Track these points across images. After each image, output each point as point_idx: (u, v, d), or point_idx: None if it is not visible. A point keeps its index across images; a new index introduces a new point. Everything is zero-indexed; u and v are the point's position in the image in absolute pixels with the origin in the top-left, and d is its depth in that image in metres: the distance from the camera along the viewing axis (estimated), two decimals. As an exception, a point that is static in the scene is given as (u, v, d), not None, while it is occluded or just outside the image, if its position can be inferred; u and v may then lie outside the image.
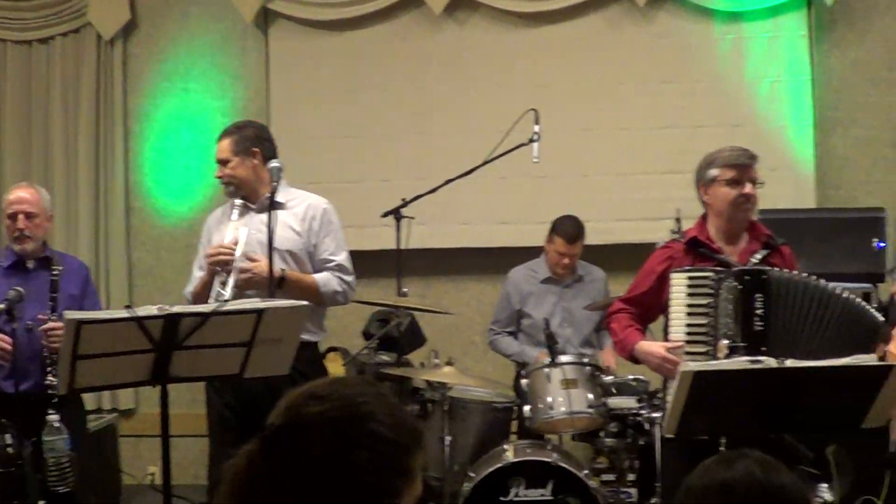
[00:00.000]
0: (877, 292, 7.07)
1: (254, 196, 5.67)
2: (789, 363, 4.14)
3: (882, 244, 7.16)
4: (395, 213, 6.61)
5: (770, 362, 4.15)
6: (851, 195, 8.38)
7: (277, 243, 5.35)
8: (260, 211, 5.61)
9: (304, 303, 4.89)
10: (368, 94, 8.44)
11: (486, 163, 6.72)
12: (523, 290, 7.30)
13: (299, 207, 5.62)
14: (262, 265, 5.38)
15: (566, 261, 7.19)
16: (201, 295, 5.50)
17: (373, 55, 8.46)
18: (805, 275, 4.83)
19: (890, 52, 8.40)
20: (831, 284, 4.77)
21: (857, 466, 6.52)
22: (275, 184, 5.34)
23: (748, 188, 4.94)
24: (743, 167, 4.96)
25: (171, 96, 8.75)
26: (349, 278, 5.68)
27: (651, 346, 4.91)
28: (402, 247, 6.60)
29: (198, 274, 5.70)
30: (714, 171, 4.99)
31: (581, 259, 7.32)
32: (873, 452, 5.76)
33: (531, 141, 6.57)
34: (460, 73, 8.39)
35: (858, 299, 4.79)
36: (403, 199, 6.67)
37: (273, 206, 5.39)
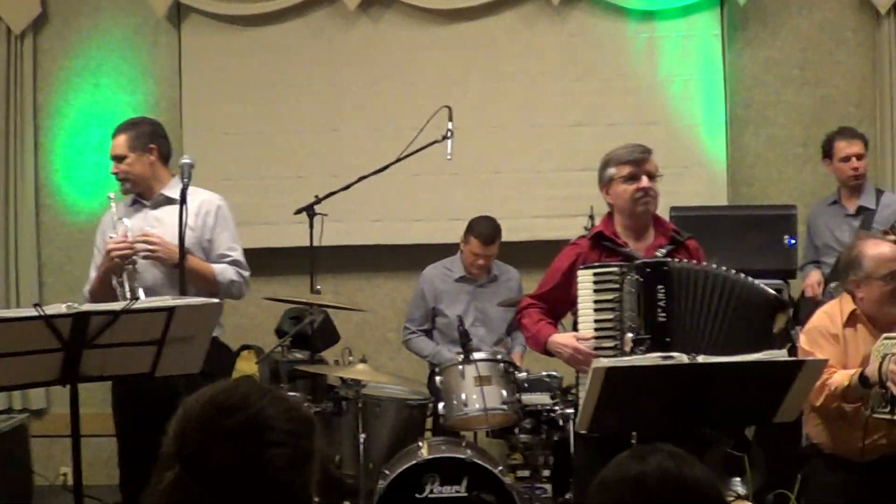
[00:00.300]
0: (788, 288, 7.16)
1: (148, 193, 5.65)
2: (701, 359, 4.17)
3: (793, 241, 7.26)
4: (309, 210, 6.57)
5: (682, 358, 4.17)
6: (763, 192, 8.48)
7: (169, 238, 5.35)
8: (154, 207, 5.62)
9: (216, 301, 4.87)
10: (282, 91, 8.39)
11: (399, 160, 6.70)
12: (437, 289, 7.30)
13: (192, 203, 5.59)
14: (162, 239, 5.39)
15: (481, 262, 7.20)
16: (99, 293, 5.47)
17: (286, 51, 8.40)
18: (705, 264, 4.88)
19: (801, 51, 8.51)
20: (731, 271, 4.81)
21: (770, 461, 6.62)
22: (186, 180, 5.28)
23: (645, 182, 4.96)
24: (637, 162, 4.99)
25: (82, 92, 8.63)
26: (245, 273, 5.67)
27: (563, 338, 4.92)
28: (316, 244, 6.56)
29: (94, 274, 5.66)
30: (611, 171, 5.02)
31: (496, 257, 7.33)
32: (786, 447, 5.83)
33: (445, 138, 6.55)
34: (374, 70, 8.36)
35: (752, 279, 4.84)
36: (317, 196, 6.62)
37: (166, 201, 5.49)
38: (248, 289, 5.75)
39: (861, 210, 7.04)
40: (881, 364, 4.73)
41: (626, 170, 4.98)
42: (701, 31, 8.36)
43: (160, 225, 5.51)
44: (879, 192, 7.18)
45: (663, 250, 4.98)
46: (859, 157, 7.02)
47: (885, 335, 4.91)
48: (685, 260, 4.91)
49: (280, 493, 2.12)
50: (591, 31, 8.36)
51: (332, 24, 8.40)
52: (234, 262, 5.63)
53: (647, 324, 4.70)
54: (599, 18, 8.36)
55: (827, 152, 7.18)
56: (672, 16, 8.35)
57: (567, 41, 8.35)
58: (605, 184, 5.06)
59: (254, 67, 8.42)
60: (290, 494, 2.14)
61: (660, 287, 4.71)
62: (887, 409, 4.79)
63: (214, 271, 5.54)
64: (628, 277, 4.73)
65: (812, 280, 7.02)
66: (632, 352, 4.61)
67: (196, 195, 5.61)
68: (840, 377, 4.91)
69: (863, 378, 4.81)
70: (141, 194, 5.65)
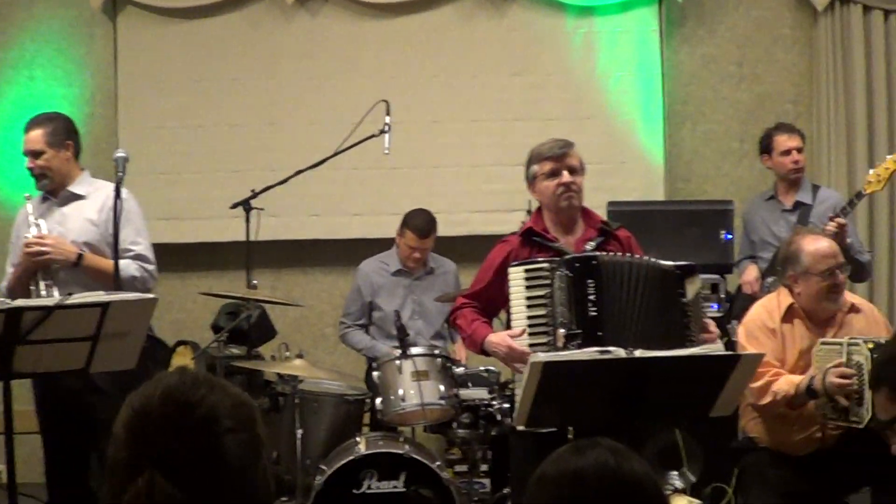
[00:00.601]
0: (725, 283, 7.19)
1: (59, 189, 5.62)
2: (638, 353, 4.18)
3: (729, 236, 7.30)
4: (245, 205, 6.54)
5: (619, 352, 4.18)
6: (700, 188, 8.54)
7: (75, 235, 5.38)
8: (61, 204, 5.62)
9: (151, 296, 4.84)
10: (218, 84, 8.33)
11: (336, 154, 6.68)
12: (374, 283, 7.28)
13: (98, 198, 5.53)
14: (55, 241, 5.38)
15: (417, 255, 7.18)
16: (16, 289, 5.46)
17: (223, 44, 8.34)
18: (632, 256, 4.89)
19: (738, 47, 8.57)
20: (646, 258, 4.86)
21: (706, 454, 6.66)
22: (120, 174, 5.24)
23: (566, 177, 4.97)
24: (557, 157, 5.00)
25: (15, 84, 8.51)
26: (150, 267, 5.61)
27: (498, 337, 4.91)
28: (252, 238, 6.53)
29: (10, 270, 5.64)
30: (535, 168, 5.04)
31: (433, 251, 7.33)
32: (723, 441, 5.87)
33: (382, 132, 6.54)
34: (312, 64, 8.33)
35: (652, 259, 4.87)
36: (253, 191, 6.59)
37: (73, 197, 5.52)
38: (154, 282, 5.70)
39: (798, 205, 7.04)
40: (823, 377, 4.78)
41: (547, 166, 4.99)
42: (639, 27, 8.39)
43: (65, 221, 5.49)
44: (816, 188, 7.18)
45: (593, 243, 5.00)
46: (799, 150, 7.02)
47: (821, 341, 4.96)
48: (615, 252, 4.92)
49: (242, 480, 2.12)
50: (530, 26, 8.37)
51: (270, 17, 8.34)
52: (137, 257, 5.58)
53: (579, 319, 4.69)
54: (538, 14, 8.37)
55: (765, 147, 7.16)
56: (610, 11, 8.38)
57: (505, 36, 8.36)
58: (531, 181, 5.08)
59: (190, 61, 8.35)
60: (250, 480, 2.15)
61: (589, 281, 4.70)
62: (838, 417, 4.84)
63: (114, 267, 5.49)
64: (558, 273, 4.72)
65: (750, 276, 7.04)
66: (564, 347, 4.61)
67: (102, 189, 5.57)
68: (785, 385, 4.96)
69: (810, 389, 4.86)
70: (52, 191, 5.63)
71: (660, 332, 4.69)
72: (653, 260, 4.85)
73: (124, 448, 2.09)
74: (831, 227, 6.27)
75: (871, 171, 6.57)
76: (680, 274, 4.81)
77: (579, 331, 4.65)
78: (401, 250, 7.23)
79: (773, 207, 7.15)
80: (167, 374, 2.21)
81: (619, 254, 4.92)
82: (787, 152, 7.02)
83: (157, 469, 2.05)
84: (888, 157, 6.61)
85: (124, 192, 5.48)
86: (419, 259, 7.21)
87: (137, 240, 5.60)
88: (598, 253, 4.87)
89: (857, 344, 4.73)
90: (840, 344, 4.82)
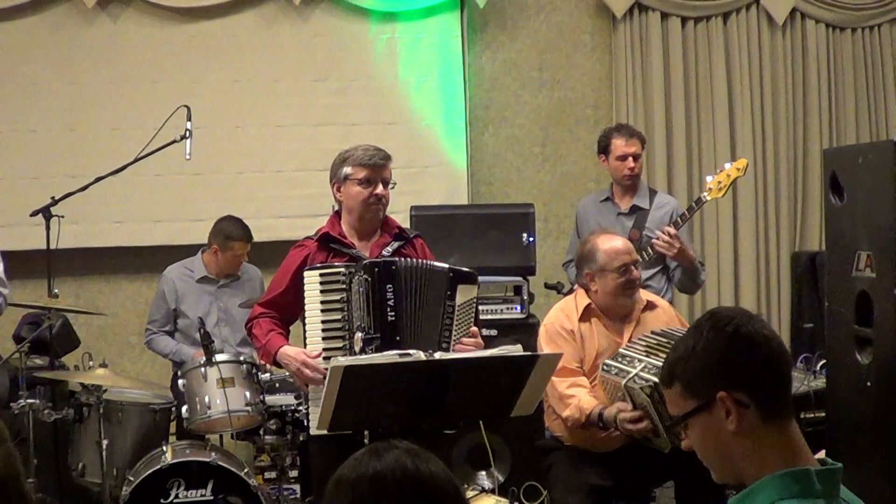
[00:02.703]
0: (528, 285, 7.28)
1: None
2: (438, 356, 4.24)
3: (531, 239, 7.36)
4: (45, 212, 6.41)
5: (419, 355, 4.24)
6: (503, 191, 8.67)
7: None
8: None
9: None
10: (16, 88, 8.10)
11: (137, 160, 6.59)
12: (179, 289, 7.19)
13: None
14: None
15: (245, 258, 7.18)
16: None
17: (21, 48, 8.12)
18: (429, 262, 4.95)
19: (539, 53, 8.73)
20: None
21: (514, 454, 6.76)
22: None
23: (380, 189, 5.01)
24: (376, 167, 5.02)
25: None
26: (4, 290, 5.54)
27: (292, 351, 4.91)
28: (53, 246, 6.40)
29: None
30: (347, 170, 5.04)
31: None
32: (532, 440, 5.95)
33: (183, 138, 6.47)
34: (113, 69, 8.18)
35: (430, 262, 4.96)
36: (53, 198, 6.47)
37: None
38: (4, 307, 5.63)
39: (634, 209, 6.93)
40: (615, 417, 4.89)
41: (362, 172, 5.00)
42: (441, 33, 8.48)
43: None
44: (653, 193, 7.09)
45: (390, 248, 5.05)
46: (636, 157, 6.86)
47: (604, 362, 5.03)
48: (411, 258, 4.98)
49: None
50: (333, 31, 8.39)
51: (70, 21, 8.16)
52: None
53: (377, 323, 4.73)
54: (341, 19, 8.39)
55: (603, 148, 6.98)
56: (413, 17, 8.45)
57: (308, 41, 8.37)
58: (339, 181, 5.08)
59: (-13, 65, 8.14)
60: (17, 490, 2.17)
61: (388, 286, 4.75)
62: (642, 441, 4.96)
63: None
64: (356, 277, 4.76)
65: None
66: (361, 351, 4.65)
67: None
68: (576, 412, 5.07)
69: (602, 420, 4.99)
70: None
71: (433, 333, 4.77)
72: (435, 263, 4.93)
73: None
74: (663, 238, 6.36)
75: (710, 178, 6.59)
76: (452, 277, 4.88)
77: (377, 335, 4.69)
78: (223, 259, 7.13)
79: (609, 210, 7.01)
80: None
81: (415, 259, 4.97)
82: (624, 157, 6.84)
83: None
84: (727, 164, 6.64)
85: None
86: (240, 264, 7.19)
87: None
88: (396, 258, 4.91)
89: (634, 388, 4.81)
90: (618, 383, 4.86)
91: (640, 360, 4.85)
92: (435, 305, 4.83)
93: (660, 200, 7.00)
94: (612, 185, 7.09)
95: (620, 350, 5.04)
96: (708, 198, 6.55)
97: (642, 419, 4.82)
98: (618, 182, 6.98)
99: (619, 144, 6.87)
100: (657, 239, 6.42)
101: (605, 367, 4.99)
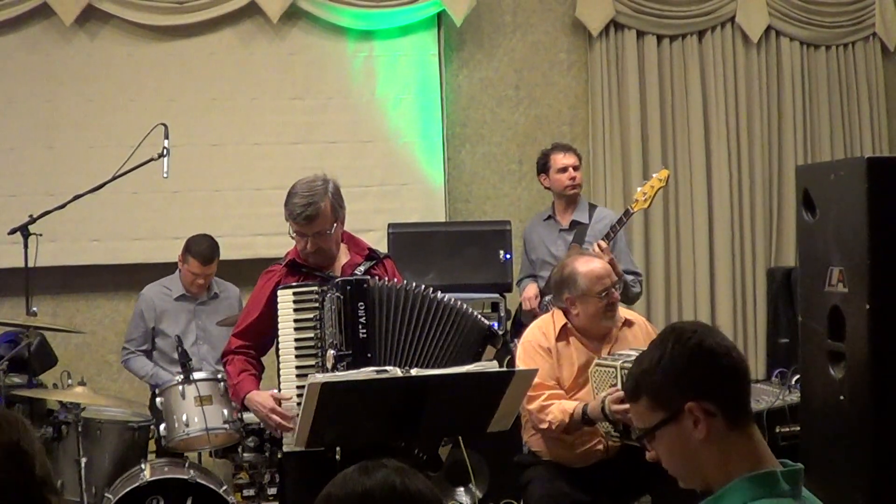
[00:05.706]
0: (505, 302, 7.32)
1: None
2: (415, 372, 4.27)
3: (508, 256, 7.40)
4: (23, 230, 6.43)
5: (396, 372, 4.27)
6: (480, 208, 8.71)
7: None
8: None
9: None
10: (-6, 106, 8.13)
11: (115, 178, 6.60)
12: (157, 308, 7.18)
13: None
14: None
15: (201, 281, 7.12)
16: None
17: (-1, 66, 8.16)
18: (404, 283, 4.94)
19: (515, 71, 8.78)
20: (437, 293, 4.92)
21: (492, 470, 6.77)
22: None
23: (310, 245, 4.94)
24: (302, 225, 4.94)
25: None
26: None
27: (261, 397, 4.89)
28: (31, 264, 6.41)
29: None
30: (286, 215, 5.01)
31: (217, 275, 7.27)
32: (509, 455, 5.96)
33: (161, 156, 6.48)
34: (91, 87, 8.20)
35: (470, 310, 4.94)
36: (31, 216, 6.48)
37: None
38: None
39: (574, 224, 7.08)
40: (603, 405, 4.92)
41: (294, 226, 4.98)
42: (418, 51, 8.53)
43: None
44: (593, 207, 7.23)
45: (362, 268, 5.05)
46: (575, 167, 7.04)
47: (596, 361, 5.09)
48: (382, 278, 4.98)
49: None
50: (310, 49, 8.43)
51: (48, 38, 8.16)
52: None
53: (349, 340, 4.73)
54: (318, 37, 8.43)
55: (542, 167, 7.15)
56: (390, 36, 8.49)
57: (286, 59, 8.40)
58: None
59: (-36, 83, 8.14)
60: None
61: (360, 304, 4.74)
62: (621, 436, 4.97)
63: None
64: (329, 295, 4.76)
65: (529, 293, 7.09)
66: (334, 368, 4.66)
67: None
68: (560, 414, 5.07)
69: (585, 417, 5.01)
70: None
71: (406, 350, 4.77)
72: (463, 307, 4.89)
73: None
74: (595, 252, 6.40)
75: (637, 190, 6.71)
76: (488, 336, 4.89)
77: (349, 352, 4.70)
78: (184, 276, 7.15)
79: (551, 227, 7.18)
80: None
81: (387, 279, 4.98)
82: (564, 169, 7.02)
83: None
84: (653, 175, 6.78)
85: None
86: (202, 285, 7.15)
87: None
88: (367, 277, 4.92)
89: (627, 368, 4.86)
90: (613, 367, 4.93)
91: (633, 352, 4.93)
92: (408, 323, 4.83)
93: (599, 214, 7.14)
94: (554, 202, 7.25)
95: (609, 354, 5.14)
96: (634, 209, 6.67)
97: None
98: (561, 195, 7.14)
99: (557, 158, 7.09)
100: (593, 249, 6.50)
101: (597, 363, 5.06)
